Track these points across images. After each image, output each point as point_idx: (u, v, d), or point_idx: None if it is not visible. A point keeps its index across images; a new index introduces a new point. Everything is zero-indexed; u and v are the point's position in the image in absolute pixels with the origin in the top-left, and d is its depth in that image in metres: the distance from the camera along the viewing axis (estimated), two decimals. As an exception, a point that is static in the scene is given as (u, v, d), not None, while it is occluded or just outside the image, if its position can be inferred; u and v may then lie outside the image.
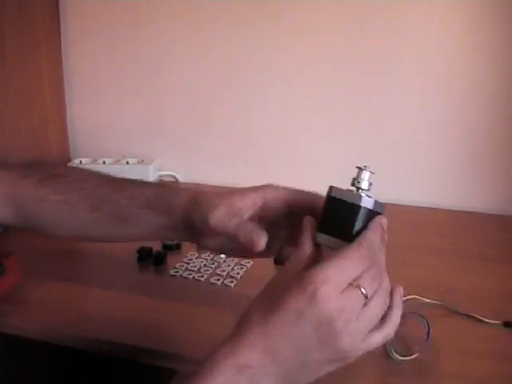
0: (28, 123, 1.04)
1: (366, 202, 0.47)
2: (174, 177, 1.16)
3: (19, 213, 0.64)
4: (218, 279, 0.74)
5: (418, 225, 0.94)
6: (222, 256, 0.81)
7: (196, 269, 0.77)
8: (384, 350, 0.56)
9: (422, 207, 1.02)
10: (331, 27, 1.00)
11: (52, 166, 0.71)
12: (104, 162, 1.12)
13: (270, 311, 0.42)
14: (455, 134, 1.00)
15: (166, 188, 0.62)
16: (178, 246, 0.83)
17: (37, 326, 0.65)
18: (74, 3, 1.11)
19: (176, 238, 0.75)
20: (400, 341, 0.57)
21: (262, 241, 0.52)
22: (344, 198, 0.47)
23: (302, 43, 1.03)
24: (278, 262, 0.58)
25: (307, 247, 0.47)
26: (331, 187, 0.48)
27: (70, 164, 1.11)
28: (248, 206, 0.55)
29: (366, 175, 0.49)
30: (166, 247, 0.83)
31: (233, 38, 1.06)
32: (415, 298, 0.67)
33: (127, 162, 1.12)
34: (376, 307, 0.43)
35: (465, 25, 0.95)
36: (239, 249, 0.55)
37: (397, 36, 0.98)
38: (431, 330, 0.58)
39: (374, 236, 0.45)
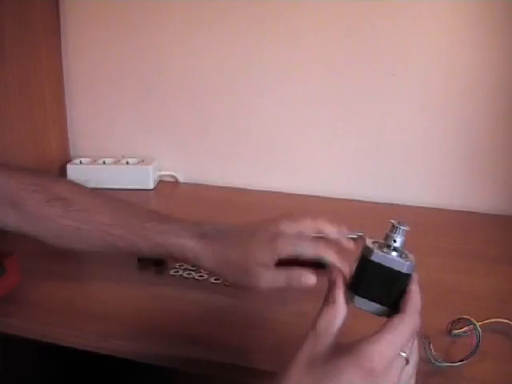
0: (28, 123, 1.04)
1: (410, 268, 0.46)
2: (174, 177, 1.16)
3: (21, 222, 0.66)
4: (218, 279, 0.74)
5: (418, 225, 0.94)
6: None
7: (196, 269, 0.77)
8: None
9: (422, 207, 1.02)
10: (331, 27, 1.00)
11: (59, 182, 0.71)
12: (104, 162, 1.12)
13: (324, 379, 0.42)
14: (455, 134, 1.00)
15: (171, 234, 0.65)
16: (178, 246, 0.83)
17: (37, 326, 0.65)
18: (74, 3, 1.11)
19: None
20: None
21: (312, 279, 0.56)
22: (387, 265, 0.45)
23: (302, 43, 1.03)
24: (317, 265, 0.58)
25: (341, 309, 0.45)
26: (368, 248, 0.46)
27: (69, 164, 1.11)
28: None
29: (401, 232, 0.48)
30: (166, 247, 0.83)
31: (233, 38, 1.06)
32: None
33: (127, 162, 1.12)
34: (411, 366, 0.45)
35: (465, 25, 0.95)
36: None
37: (397, 36, 0.98)
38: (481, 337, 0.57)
39: (416, 301, 0.45)
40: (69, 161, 1.13)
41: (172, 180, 1.16)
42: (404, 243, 0.47)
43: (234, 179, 1.12)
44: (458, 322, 0.61)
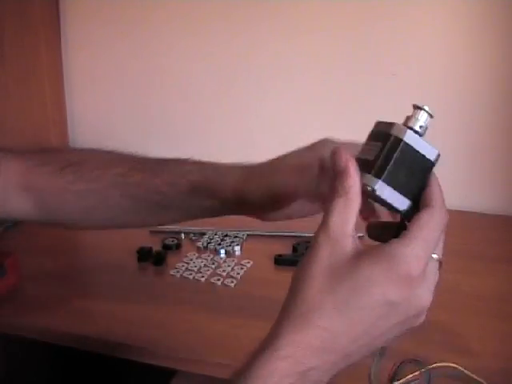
0: (28, 123, 1.04)
1: (437, 158, 0.41)
2: (174, 177, 1.16)
3: (37, 204, 0.58)
4: (218, 279, 0.74)
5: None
6: (222, 256, 0.81)
7: (196, 269, 0.77)
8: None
9: (422, 207, 1.02)
10: (331, 27, 1.00)
11: (69, 150, 0.65)
12: (104, 162, 1.12)
13: (351, 297, 0.35)
14: (455, 134, 1.00)
15: (209, 168, 0.59)
16: (177, 246, 0.84)
17: (37, 326, 0.65)
18: (74, 3, 1.11)
19: (228, 214, 0.62)
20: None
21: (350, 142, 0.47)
22: (419, 149, 0.39)
23: (301, 43, 1.03)
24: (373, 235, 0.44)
25: (357, 203, 0.37)
26: (399, 127, 0.39)
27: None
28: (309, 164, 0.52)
29: (423, 116, 0.41)
30: (166, 247, 0.83)
31: (233, 38, 1.06)
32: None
33: (127, 162, 1.12)
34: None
35: (465, 25, 0.95)
36: (308, 207, 0.52)
37: (397, 36, 0.98)
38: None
39: (441, 193, 0.40)
40: (69, 161, 1.13)
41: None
42: (425, 130, 0.41)
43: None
44: (403, 365, 0.57)
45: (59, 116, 1.14)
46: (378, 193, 0.37)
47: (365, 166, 0.38)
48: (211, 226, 0.88)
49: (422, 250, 0.36)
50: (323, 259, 0.35)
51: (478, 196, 1.02)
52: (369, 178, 0.38)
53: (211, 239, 0.85)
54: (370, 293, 0.34)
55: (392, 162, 0.38)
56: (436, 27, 0.96)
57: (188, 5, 1.06)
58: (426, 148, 0.40)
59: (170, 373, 0.65)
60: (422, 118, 0.41)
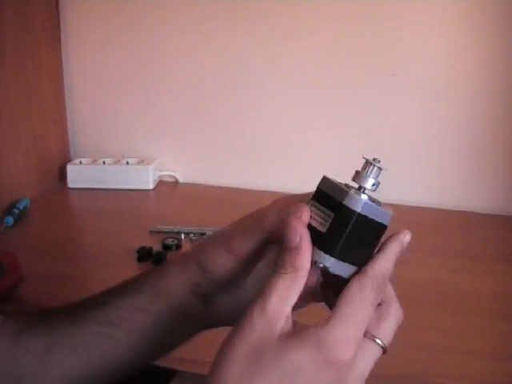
0: (28, 123, 1.04)
1: (389, 220, 0.37)
2: (174, 177, 1.16)
3: None
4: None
5: (418, 225, 0.94)
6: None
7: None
8: None
9: (422, 207, 1.02)
10: (331, 28, 1.00)
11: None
12: (104, 162, 1.12)
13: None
14: (455, 134, 1.00)
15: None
16: (177, 246, 0.84)
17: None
18: (74, 3, 1.11)
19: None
20: None
21: (306, 209, 0.36)
22: (374, 217, 0.36)
23: (301, 43, 1.03)
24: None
25: (303, 281, 0.34)
26: (351, 195, 0.36)
27: (69, 164, 1.10)
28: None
29: (375, 172, 0.38)
30: (166, 247, 0.83)
31: (233, 38, 1.06)
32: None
33: (127, 162, 1.12)
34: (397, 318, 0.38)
35: (465, 25, 0.95)
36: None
37: (397, 36, 0.98)
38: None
39: (381, 263, 0.36)
40: (69, 161, 1.13)
41: (172, 180, 1.16)
42: (376, 186, 0.38)
43: (233, 179, 1.12)
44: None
45: (59, 116, 1.14)
46: (331, 270, 0.35)
47: (316, 238, 0.35)
48: (211, 226, 0.88)
49: (353, 329, 0.32)
50: (253, 340, 0.32)
51: (477, 196, 1.02)
52: (321, 255, 0.35)
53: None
54: (299, 379, 0.31)
55: (345, 237, 0.35)
56: (436, 27, 0.96)
57: (189, 9, 1.06)
58: (380, 214, 0.37)
59: (170, 373, 0.65)
60: (374, 174, 0.38)
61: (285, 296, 0.33)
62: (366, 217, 0.35)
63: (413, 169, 1.04)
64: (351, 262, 0.35)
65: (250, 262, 0.41)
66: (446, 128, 1.01)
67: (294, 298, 0.33)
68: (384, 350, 0.35)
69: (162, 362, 0.60)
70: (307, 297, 0.39)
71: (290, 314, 0.33)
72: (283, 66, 1.05)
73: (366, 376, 0.34)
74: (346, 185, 0.37)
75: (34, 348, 0.44)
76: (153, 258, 0.79)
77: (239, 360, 0.32)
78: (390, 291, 0.38)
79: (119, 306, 0.44)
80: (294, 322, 0.34)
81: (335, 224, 0.35)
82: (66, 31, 1.13)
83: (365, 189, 0.37)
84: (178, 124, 1.14)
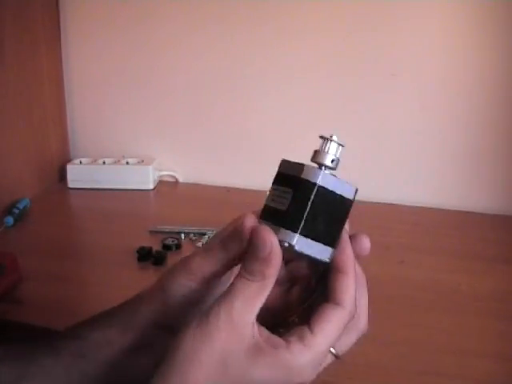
0: (28, 123, 1.04)
1: (355, 195, 0.36)
2: (174, 177, 1.16)
3: None
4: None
5: (418, 225, 0.95)
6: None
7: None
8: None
9: (422, 207, 1.02)
10: (331, 28, 1.00)
11: None
12: (104, 162, 1.12)
13: None
14: (455, 134, 1.00)
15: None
16: (177, 246, 0.84)
17: (36, 326, 0.65)
18: (74, 3, 1.11)
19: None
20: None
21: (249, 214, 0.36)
22: (336, 190, 0.35)
23: (301, 44, 1.03)
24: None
25: (270, 287, 0.34)
26: (309, 168, 0.35)
27: (69, 164, 1.10)
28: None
29: (333, 148, 0.37)
30: (166, 247, 0.83)
31: (233, 37, 1.06)
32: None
33: (127, 162, 1.12)
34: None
35: (464, 25, 0.95)
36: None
37: (396, 36, 0.98)
38: None
39: (351, 285, 0.35)
40: (69, 161, 1.13)
41: (172, 180, 1.16)
42: (336, 163, 0.36)
43: (233, 179, 1.12)
44: None
45: (59, 116, 1.14)
46: (297, 248, 0.33)
47: (276, 217, 0.34)
48: (211, 226, 0.88)
49: (323, 356, 0.34)
50: (219, 342, 0.32)
51: (477, 196, 1.02)
52: (284, 232, 0.33)
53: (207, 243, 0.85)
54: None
55: (307, 210, 0.33)
56: (436, 27, 0.96)
57: (189, 8, 1.06)
58: (342, 186, 0.35)
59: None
60: (332, 150, 0.36)
61: (251, 303, 0.33)
62: (327, 189, 0.34)
63: (413, 169, 1.04)
64: (319, 240, 0.34)
65: (210, 282, 0.40)
66: (445, 128, 1.01)
67: (259, 307, 0.33)
68: (337, 357, 0.35)
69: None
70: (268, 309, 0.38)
71: (255, 321, 0.33)
72: (283, 66, 1.05)
73: (314, 377, 0.34)
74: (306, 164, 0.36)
75: (7, 375, 0.43)
76: (153, 258, 0.79)
77: (205, 364, 0.32)
78: (363, 307, 0.37)
79: (89, 339, 0.43)
80: (260, 331, 0.34)
81: (296, 199, 0.34)
82: (66, 31, 1.13)
83: (325, 166, 0.35)
84: (178, 124, 1.14)
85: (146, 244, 0.81)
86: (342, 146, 0.36)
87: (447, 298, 0.70)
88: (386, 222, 0.92)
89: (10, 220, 0.91)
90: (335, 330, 0.34)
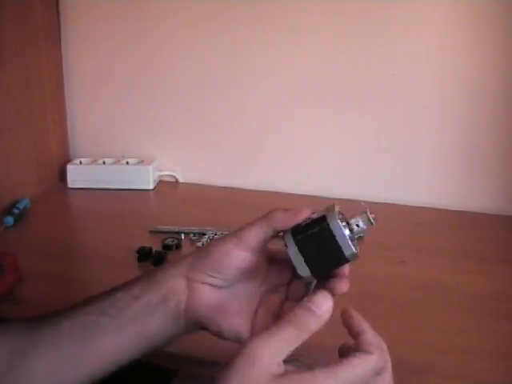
0: (28, 123, 1.04)
1: (352, 256, 0.42)
2: (174, 177, 1.16)
3: None
4: (218, 279, 0.74)
5: (418, 225, 0.95)
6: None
7: (196, 269, 0.77)
8: None
9: (422, 207, 1.02)
10: (330, 27, 1.00)
11: None
12: (104, 162, 1.12)
13: None
14: (455, 134, 1.00)
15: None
16: (177, 246, 0.84)
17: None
18: (74, 3, 1.11)
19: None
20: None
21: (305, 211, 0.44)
22: (337, 238, 0.42)
23: (301, 44, 1.03)
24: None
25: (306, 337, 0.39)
26: (332, 213, 0.43)
27: (69, 164, 1.11)
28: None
29: (366, 221, 0.44)
30: (166, 247, 0.83)
31: (233, 37, 1.06)
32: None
33: (127, 162, 1.12)
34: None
35: (464, 25, 0.95)
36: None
37: (396, 36, 0.98)
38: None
39: (374, 337, 0.41)
40: (69, 161, 1.13)
41: (172, 180, 1.16)
42: (361, 232, 0.44)
43: (233, 179, 1.12)
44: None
45: (59, 116, 1.14)
46: (287, 245, 0.43)
47: (294, 227, 0.44)
48: (211, 226, 0.88)
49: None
50: (249, 378, 0.36)
51: (477, 196, 1.02)
52: (288, 236, 0.43)
53: (211, 239, 0.85)
54: None
55: (309, 232, 0.43)
56: (436, 27, 0.96)
57: (189, 8, 1.06)
58: (344, 242, 0.42)
59: (172, 373, 0.65)
60: (363, 223, 0.44)
61: (285, 347, 0.37)
62: (332, 233, 0.42)
63: (413, 169, 1.04)
64: (305, 261, 0.43)
65: (253, 250, 0.45)
66: (445, 128, 1.01)
67: (291, 351, 0.37)
68: None
69: (163, 362, 0.60)
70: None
71: (282, 362, 0.37)
72: (283, 66, 1.05)
73: None
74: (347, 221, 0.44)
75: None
76: (153, 258, 0.79)
77: None
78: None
79: (116, 298, 0.48)
80: (286, 370, 0.37)
81: (311, 224, 0.43)
82: (66, 31, 1.13)
83: (345, 221, 0.43)
84: (178, 124, 1.14)
85: (146, 244, 0.81)
86: (372, 225, 0.44)
87: (447, 298, 0.70)
88: (386, 221, 0.92)
89: (9, 220, 0.91)
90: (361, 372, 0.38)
